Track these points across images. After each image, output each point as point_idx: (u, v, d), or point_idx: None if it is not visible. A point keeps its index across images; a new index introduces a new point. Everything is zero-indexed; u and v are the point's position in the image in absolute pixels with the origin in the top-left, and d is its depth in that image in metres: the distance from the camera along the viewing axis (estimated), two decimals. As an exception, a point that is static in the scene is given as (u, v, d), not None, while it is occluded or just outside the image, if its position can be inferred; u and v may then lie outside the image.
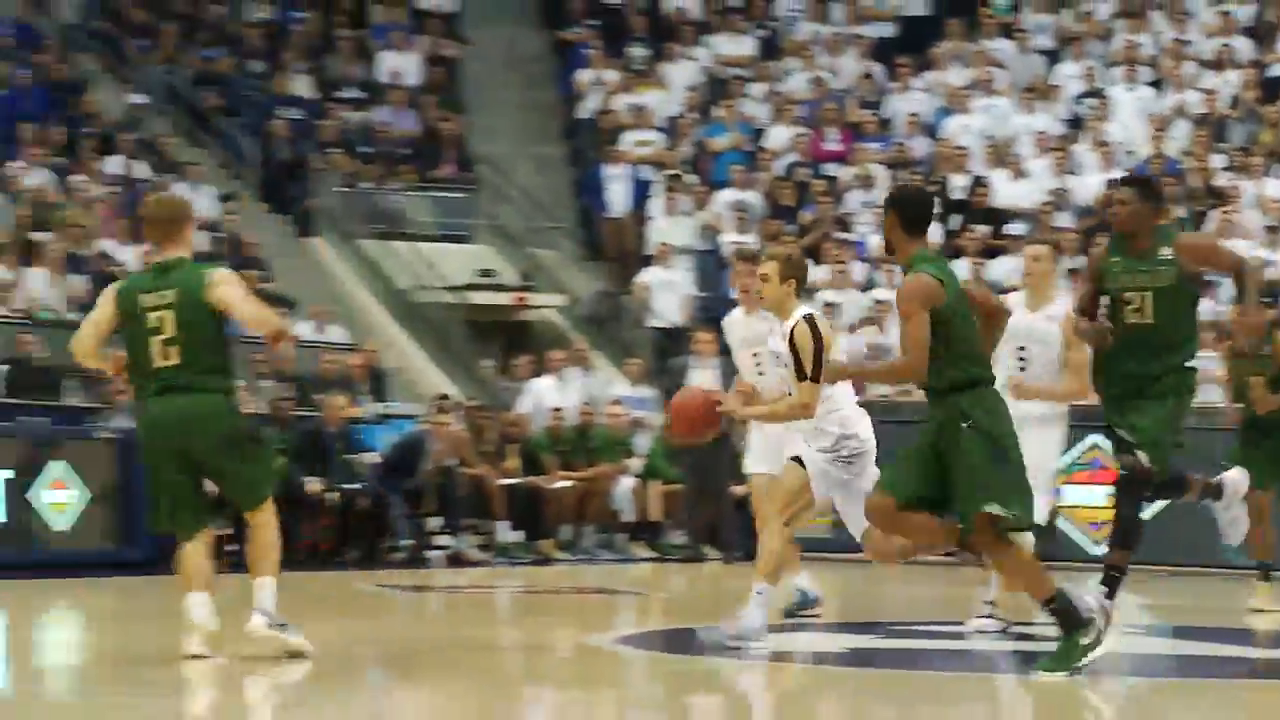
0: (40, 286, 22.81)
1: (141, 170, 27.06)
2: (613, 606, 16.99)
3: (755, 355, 13.15)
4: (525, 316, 28.38)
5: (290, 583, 13.55)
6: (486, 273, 28.05)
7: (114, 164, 26.83)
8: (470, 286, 27.67)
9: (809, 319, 11.69)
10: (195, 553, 10.88)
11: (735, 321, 13.61)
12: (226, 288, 10.00)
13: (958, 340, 10.44)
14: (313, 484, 19.28)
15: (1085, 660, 10.66)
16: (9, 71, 27.90)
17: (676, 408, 12.45)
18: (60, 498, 18.70)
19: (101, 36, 30.84)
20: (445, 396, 22.81)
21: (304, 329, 20.01)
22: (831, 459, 11.84)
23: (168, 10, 31.02)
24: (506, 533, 21.14)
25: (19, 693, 10.69)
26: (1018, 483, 10.52)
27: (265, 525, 11.05)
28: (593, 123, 30.38)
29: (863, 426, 12.05)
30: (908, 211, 10.67)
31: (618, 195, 28.90)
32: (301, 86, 30.00)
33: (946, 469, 10.56)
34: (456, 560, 19.95)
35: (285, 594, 12.86)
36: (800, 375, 11.66)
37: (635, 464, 22.68)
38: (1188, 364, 11.79)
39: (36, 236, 23.40)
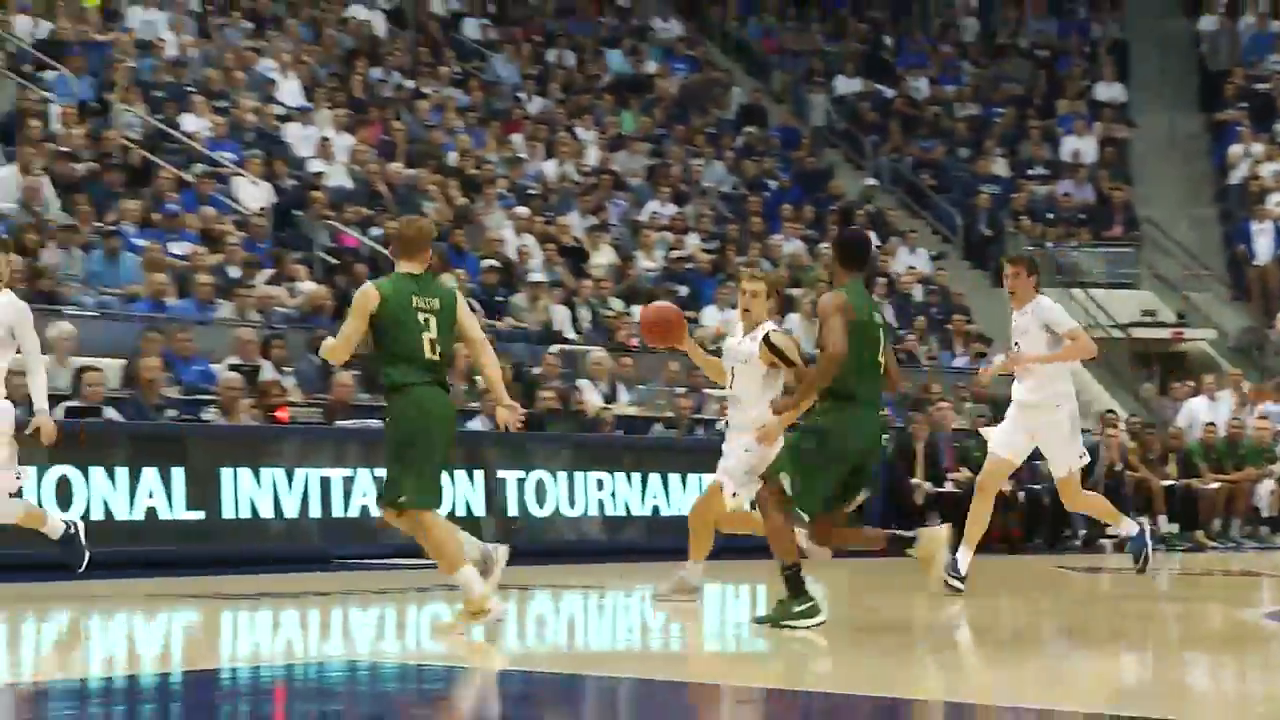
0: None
1: (873, 239, 27.27)
2: (1259, 587, 16.22)
3: None
4: (1182, 348, 28.21)
5: (984, 566, 13.23)
6: (1149, 313, 28.02)
7: (854, 233, 27.06)
8: (1135, 324, 27.63)
9: None
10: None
11: None
12: (466, 308, 9.84)
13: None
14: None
15: (794, 625, 9.72)
16: (774, 166, 28.46)
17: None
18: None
19: (843, 134, 31.25)
20: (1112, 413, 22.62)
21: (998, 359, 19.67)
22: None
23: (893, 111, 31.25)
24: (1166, 525, 20.83)
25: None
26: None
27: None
28: (1241, 187, 29.35)
29: None
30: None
31: (1263, 246, 28.08)
32: (999, 167, 29.95)
33: None
34: (1123, 547, 19.59)
35: (979, 575, 12.54)
36: None
37: (1277, 468, 22.08)
38: None
39: (793, 292, 23.57)
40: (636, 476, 17.10)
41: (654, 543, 16.55)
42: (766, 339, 10.91)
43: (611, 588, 13.48)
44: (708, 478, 17.25)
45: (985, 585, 12.71)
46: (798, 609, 9.90)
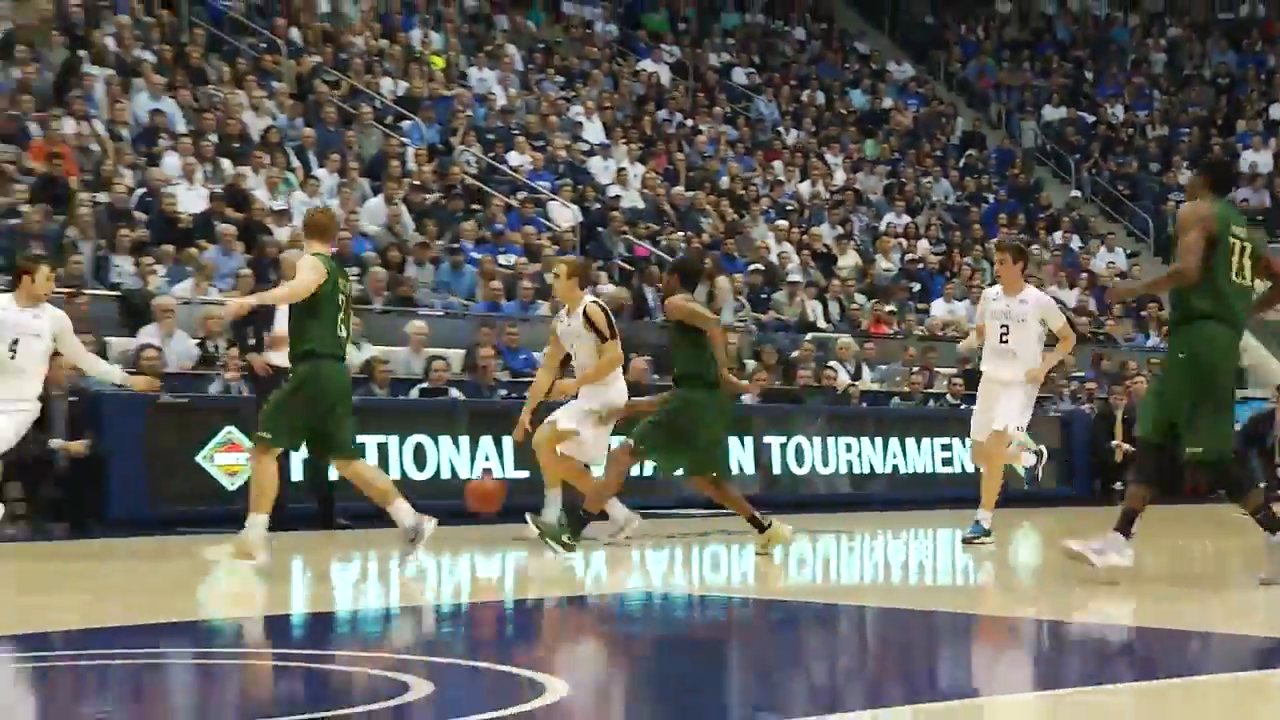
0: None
1: (1075, 242, 26.84)
2: None
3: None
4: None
5: (1175, 515, 12.83)
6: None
7: (1057, 238, 26.64)
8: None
9: None
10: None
11: None
12: None
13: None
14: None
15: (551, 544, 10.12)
16: (991, 182, 28.11)
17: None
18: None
19: (1051, 154, 30.70)
20: (1282, 385, 21.71)
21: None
22: None
23: (1094, 134, 30.67)
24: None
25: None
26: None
27: None
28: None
29: None
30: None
31: None
32: (1185, 178, 29.12)
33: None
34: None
35: (1172, 524, 12.16)
36: None
37: None
38: None
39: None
40: (879, 441, 17.02)
41: (894, 495, 16.49)
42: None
43: (858, 533, 13.44)
44: (940, 441, 17.32)
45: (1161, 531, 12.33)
46: (565, 538, 10.19)
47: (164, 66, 19.83)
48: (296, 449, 10.77)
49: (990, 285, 12.34)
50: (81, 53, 19.04)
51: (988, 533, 11.27)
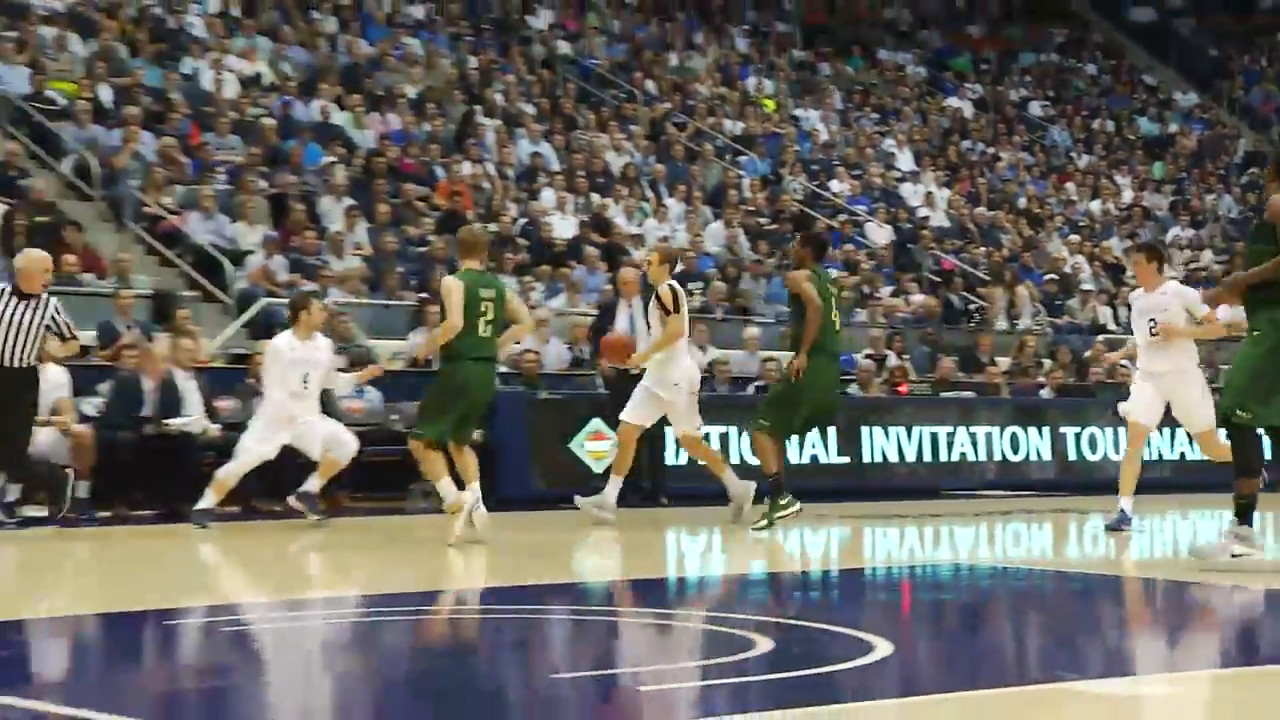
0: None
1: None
2: None
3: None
4: None
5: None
6: None
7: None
8: None
9: None
10: None
11: None
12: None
13: None
14: None
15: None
16: None
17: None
18: None
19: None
20: None
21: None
22: None
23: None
24: None
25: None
26: None
27: None
28: None
29: None
30: None
31: None
32: None
33: None
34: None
35: None
36: None
37: None
38: None
39: None
40: (1165, 431, 16.29)
41: (1179, 480, 15.86)
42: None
43: (1146, 515, 12.98)
44: (1223, 431, 16.55)
45: None
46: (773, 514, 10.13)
47: (542, 116, 20.38)
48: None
49: (1133, 290, 11.68)
50: (476, 107, 19.72)
51: (1129, 520, 10.28)
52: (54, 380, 10.56)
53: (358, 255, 15.45)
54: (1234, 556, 7.77)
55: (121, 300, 12.59)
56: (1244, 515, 7.92)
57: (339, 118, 18.10)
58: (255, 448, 10.28)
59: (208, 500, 10.13)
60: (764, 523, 10.15)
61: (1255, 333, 7.89)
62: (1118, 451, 15.85)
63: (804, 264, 10.55)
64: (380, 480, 12.13)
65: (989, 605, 7.18)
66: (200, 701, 4.58)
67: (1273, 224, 7.72)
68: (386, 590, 7.37)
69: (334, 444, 10.51)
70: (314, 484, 10.45)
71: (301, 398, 10.43)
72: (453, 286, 9.10)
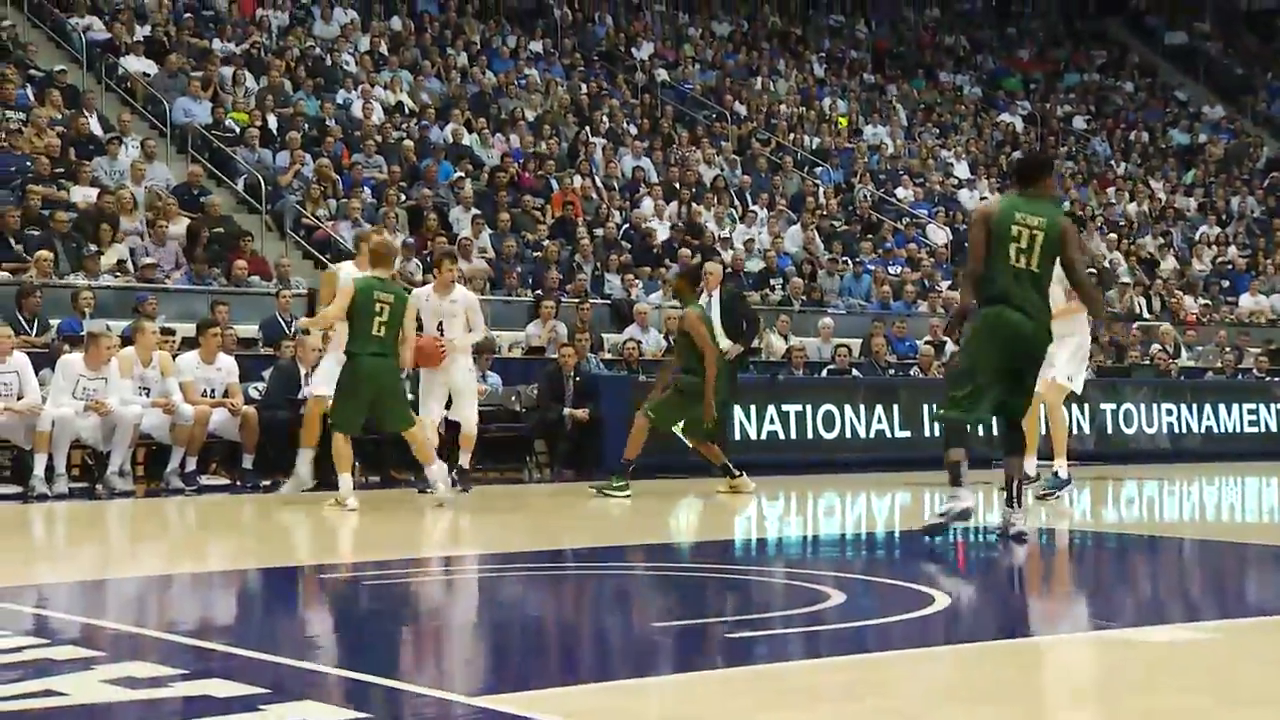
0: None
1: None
2: None
3: None
4: None
5: None
6: None
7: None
8: None
9: None
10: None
11: None
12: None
13: None
14: None
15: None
16: (1288, 197, 25.95)
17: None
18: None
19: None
20: None
21: None
22: None
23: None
24: None
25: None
26: None
27: None
28: None
29: None
30: None
31: None
32: None
33: None
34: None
35: None
36: None
37: None
38: None
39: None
40: (1195, 407, 15.98)
41: (1207, 450, 15.49)
42: None
43: (1172, 480, 12.69)
44: (1247, 406, 16.13)
45: None
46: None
47: (643, 135, 20.33)
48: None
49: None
50: (586, 128, 19.72)
51: (1066, 483, 9.42)
52: (225, 367, 10.72)
53: (483, 258, 15.52)
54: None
55: (282, 299, 12.74)
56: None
57: (468, 139, 18.19)
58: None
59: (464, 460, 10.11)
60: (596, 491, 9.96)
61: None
62: (1150, 426, 15.54)
63: (684, 296, 10.27)
64: (502, 453, 12.17)
65: (1032, 564, 7.03)
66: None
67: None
68: (535, 547, 7.39)
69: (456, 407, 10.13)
70: (465, 459, 10.21)
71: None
72: (346, 288, 8.83)
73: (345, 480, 8.84)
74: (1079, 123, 27.41)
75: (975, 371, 6.87)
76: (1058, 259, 6.81)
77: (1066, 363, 9.25)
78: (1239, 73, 31.23)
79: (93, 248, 12.80)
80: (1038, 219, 6.76)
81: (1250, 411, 16.13)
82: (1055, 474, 9.54)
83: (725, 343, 10.57)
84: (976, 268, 6.86)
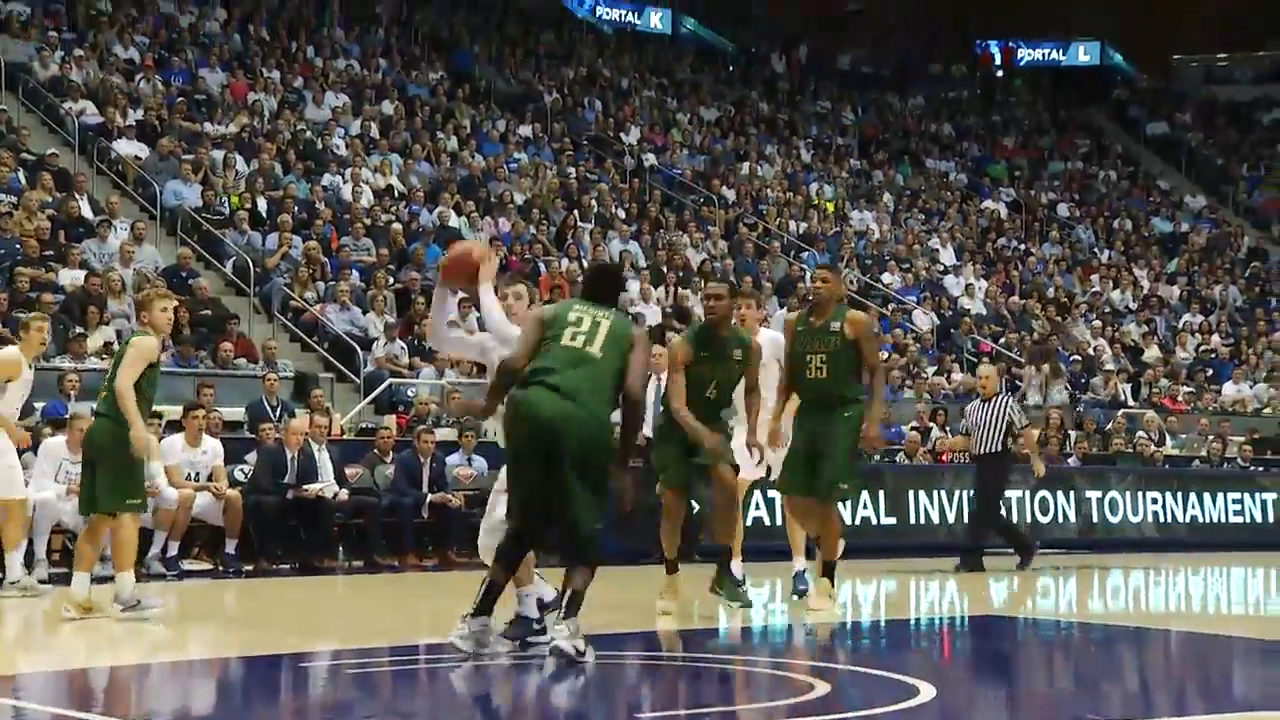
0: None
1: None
2: None
3: None
4: None
5: None
6: None
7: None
8: None
9: None
10: None
11: None
12: None
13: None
14: None
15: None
16: (1274, 288, 26.15)
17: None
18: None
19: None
20: None
21: None
22: None
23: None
24: None
25: None
26: None
27: None
28: None
29: None
30: None
31: None
32: None
33: None
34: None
35: None
36: None
37: None
38: None
39: None
40: (1180, 495, 16.03)
41: (1193, 539, 15.50)
42: None
43: (1159, 570, 12.69)
44: (1231, 495, 16.18)
45: None
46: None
47: (631, 218, 20.51)
48: None
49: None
50: (574, 212, 19.89)
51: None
52: (210, 450, 10.72)
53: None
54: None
55: (268, 382, 12.76)
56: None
57: (456, 222, 18.32)
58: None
59: None
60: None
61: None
62: (1135, 514, 15.56)
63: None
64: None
65: (1019, 654, 7.03)
66: None
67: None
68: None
69: None
70: None
71: None
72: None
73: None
74: (1063, 210, 27.74)
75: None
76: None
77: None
78: (1219, 163, 31.70)
79: (79, 330, 12.83)
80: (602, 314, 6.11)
81: (1235, 501, 16.16)
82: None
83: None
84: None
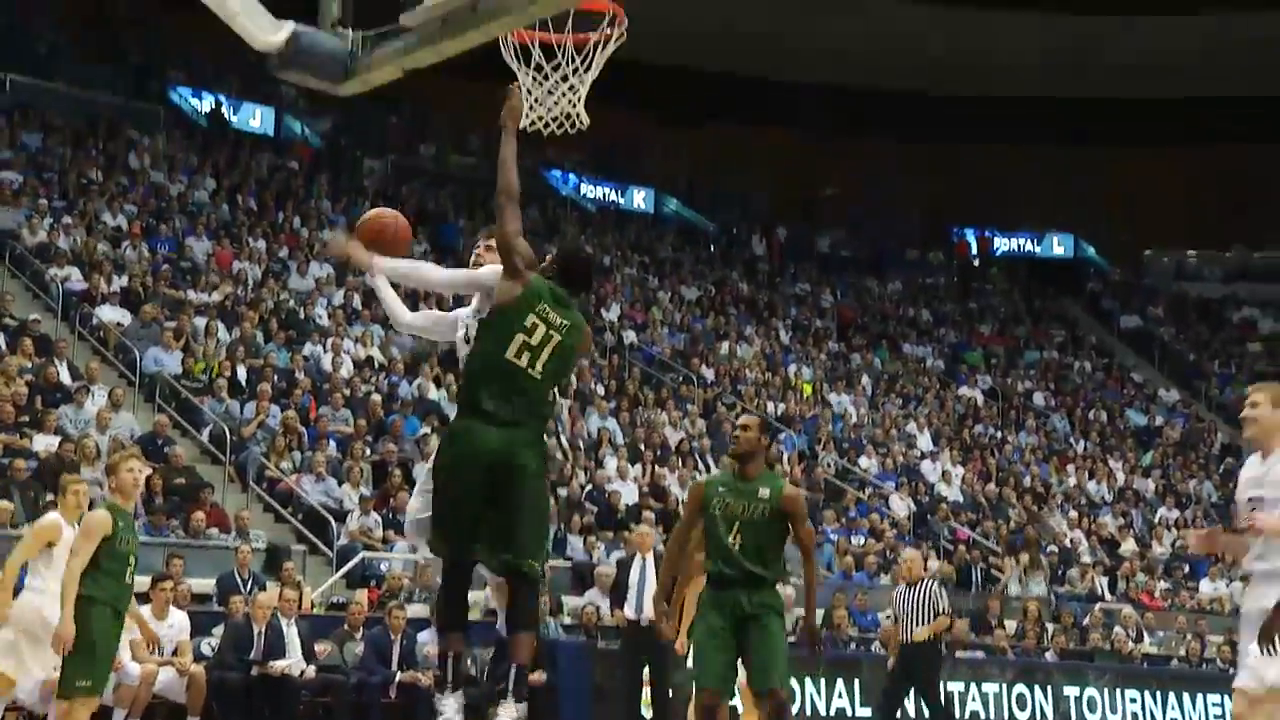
0: None
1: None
2: None
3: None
4: None
5: None
6: None
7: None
8: None
9: None
10: None
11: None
12: None
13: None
14: None
15: None
16: (1245, 479, 26.37)
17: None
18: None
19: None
20: None
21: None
22: None
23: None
24: None
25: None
26: None
27: None
28: None
29: None
30: None
31: None
32: None
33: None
34: None
35: None
36: None
37: None
38: None
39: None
40: (1159, 695, 15.88)
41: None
42: None
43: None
44: (1211, 698, 16.02)
45: None
46: None
47: (610, 395, 20.64)
48: None
49: None
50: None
51: None
52: (177, 624, 10.57)
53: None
54: None
55: (241, 554, 12.65)
56: None
57: (435, 394, 18.41)
58: None
59: None
60: None
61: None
62: (1114, 713, 15.39)
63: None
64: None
65: None
66: None
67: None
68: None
69: None
70: None
71: None
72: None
73: None
74: (1039, 399, 28.05)
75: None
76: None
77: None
78: (1191, 358, 32.22)
79: (50, 497, 12.74)
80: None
81: (1215, 704, 16.00)
82: None
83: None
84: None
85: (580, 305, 5.90)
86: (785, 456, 20.64)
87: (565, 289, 5.76)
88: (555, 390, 6.06)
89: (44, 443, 13.75)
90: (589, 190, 31.24)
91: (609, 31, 6.32)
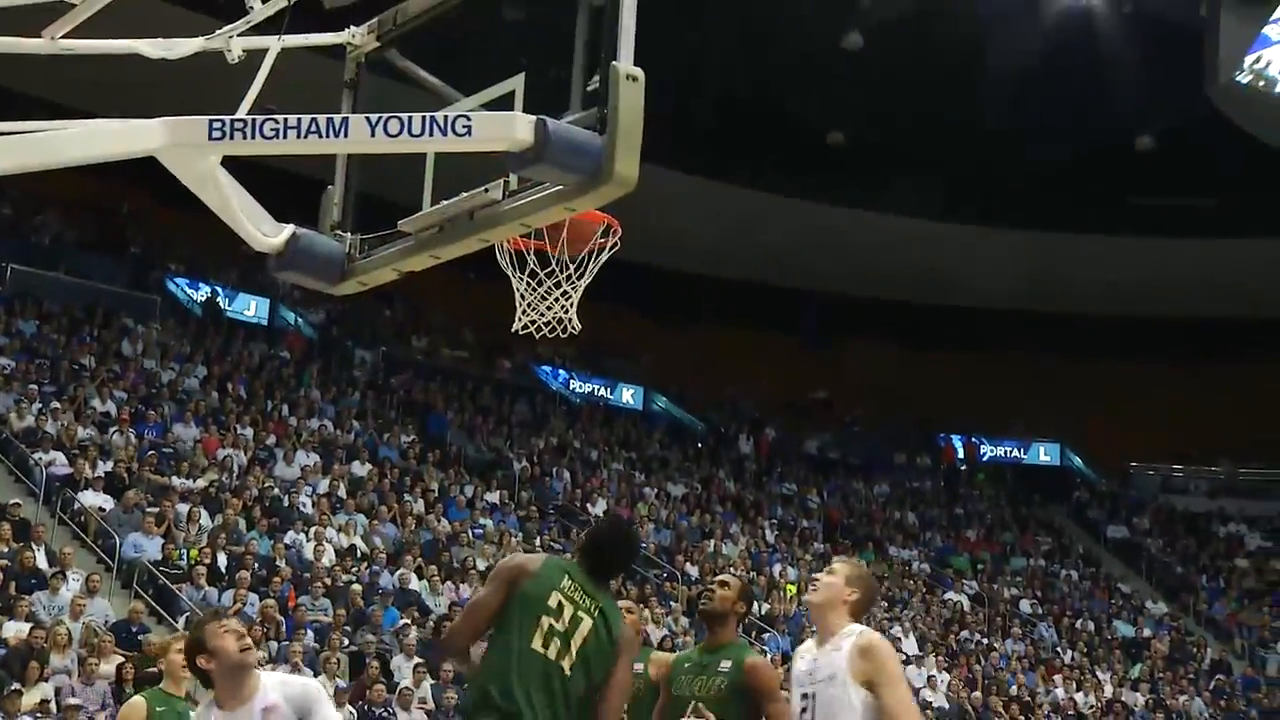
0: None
1: None
2: None
3: None
4: None
5: None
6: None
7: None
8: None
9: None
10: None
11: None
12: None
13: None
14: None
15: None
16: (1239, 704, 25.93)
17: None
18: None
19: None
20: None
21: None
22: None
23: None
24: None
25: None
26: None
27: None
28: None
29: None
30: None
31: None
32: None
33: None
34: None
35: None
36: None
37: None
38: None
39: None
40: None
41: None
42: None
43: None
44: None
45: None
46: None
47: (592, 593, 20.44)
48: None
49: None
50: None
51: None
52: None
53: (422, 709, 15.25)
54: None
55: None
56: None
57: (416, 585, 18.28)
58: None
59: None
60: None
61: None
62: None
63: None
64: None
65: None
66: None
67: None
68: None
69: None
70: None
71: None
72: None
73: None
74: (1026, 606, 27.83)
75: None
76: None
77: None
78: (1178, 571, 32.10)
79: (15, 686, 12.54)
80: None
81: None
82: None
83: None
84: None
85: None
86: (770, 657, 20.37)
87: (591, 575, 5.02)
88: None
89: (14, 629, 13.58)
90: (578, 386, 31.53)
91: (603, 241, 6.54)
